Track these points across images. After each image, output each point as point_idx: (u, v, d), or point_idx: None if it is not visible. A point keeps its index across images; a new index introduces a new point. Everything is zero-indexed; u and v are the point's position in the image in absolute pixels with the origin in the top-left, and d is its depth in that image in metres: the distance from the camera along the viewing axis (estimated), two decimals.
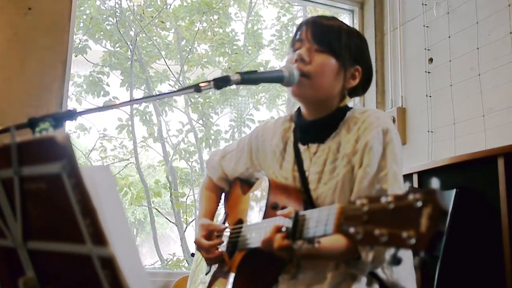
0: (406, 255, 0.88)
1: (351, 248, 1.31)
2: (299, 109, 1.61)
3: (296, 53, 1.49)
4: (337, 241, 1.31)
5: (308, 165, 1.52)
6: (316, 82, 1.47)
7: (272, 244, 1.24)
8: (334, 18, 1.58)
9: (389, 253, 0.83)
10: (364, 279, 1.41)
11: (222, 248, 1.59)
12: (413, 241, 0.77)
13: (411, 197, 0.80)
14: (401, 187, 1.38)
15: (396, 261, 0.82)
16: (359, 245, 1.29)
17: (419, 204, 0.79)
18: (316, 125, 1.54)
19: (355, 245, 1.30)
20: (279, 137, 1.63)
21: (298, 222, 1.18)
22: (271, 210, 1.42)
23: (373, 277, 1.42)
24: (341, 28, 1.52)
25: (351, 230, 0.88)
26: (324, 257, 1.38)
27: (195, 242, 1.61)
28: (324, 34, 1.49)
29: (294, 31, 1.58)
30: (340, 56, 1.48)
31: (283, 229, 1.23)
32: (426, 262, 0.79)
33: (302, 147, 1.56)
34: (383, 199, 0.84)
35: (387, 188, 1.36)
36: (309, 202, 1.47)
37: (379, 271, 1.41)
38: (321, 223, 1.08)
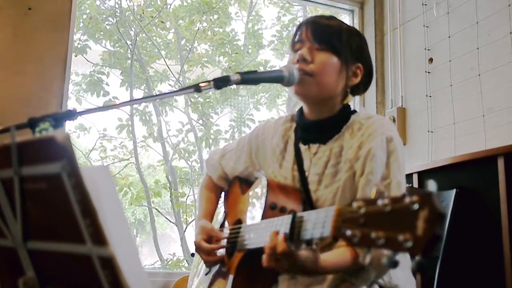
0: (405, 262, 0.88)
1: (356, 261, 1.31)
2: (301, 108, 1.61)
3: (298, 53, 1.48)
4: (341, 256, 1.31)
5: (308, 165, 1.51)
6: (320, 80, 1.47)
7: (276, 250, 1.21)
8: (333, 18, 1.59)
9: (386, 257, 0.83)
10: (361, 276, 1.41)
11: (222, 250, 1.59)
12: (409, 244, 0.77)
13: (407, 199, 0.80)
14: None
15: (393, 264, 0.82)
16: (356, 248, 1.29)
17: (416, 207, 0.78)
18: (318, 125, 1.54)
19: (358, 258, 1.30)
20: (280, 136, 1.63)
21: (296, 224, 1.18)
22: (269, 210, 1.42)
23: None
24: (341, 26, 1.53)
25: (348, 232, 0.88)
26: (330, 273, 1.37)
27: (195, 244, 1.61)
28: (324, 32, 1.49)
29: (294, 33, 1.58)
30: (341, 54, 1.48)
31: (281, 231, 1.22)
32: (423, 266, 0.79)
33: (302, 147, 1.55)
34: (380, 202, 0.84)
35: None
36: (308, 203, 1.47)
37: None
38: (318, 225, 1.09)
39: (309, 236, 1.13)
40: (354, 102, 1.61)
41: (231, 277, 1.45)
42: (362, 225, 0.86)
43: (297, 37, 1.53)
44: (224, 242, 1.60)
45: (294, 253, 1.21)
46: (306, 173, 1.51)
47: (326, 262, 1.26)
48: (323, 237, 1.07)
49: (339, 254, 1.32)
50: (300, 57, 1.47)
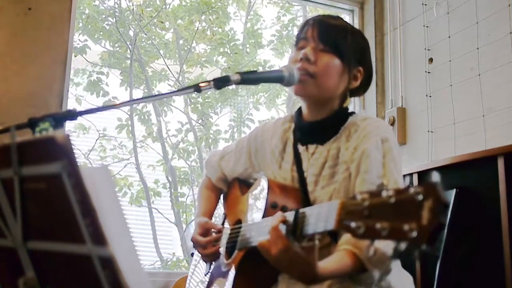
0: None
1: (356, 264, 1.28)
2: (299, 109, 1.61)
3: (301, 52, 1.48)
4: (341, 261, 1.28)
5: (307, 166, 1.51)
6: (320, 82, 1.47)
7: (277, 233, 1.19)
8: (339, 18, 1.58)
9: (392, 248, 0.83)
10: (364, 281, 1.41)
11: (222, 247, 1.59)
12: (414, 233, 0.78)
13: (412, 190, 0.81)
14: None
15: (397, 254, 0.82)
16: (361, 240, 1.27)
17: (420, 197, 0.79)
18: (316, 126, 1.54)
19: (360, 261, 1.27)
20: (279, 137, 1.63)
21: (299, 220, 1.18)
22: (270, 209, 1.42)
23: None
24: (347, 28, 1.52)
25: (352, 224, 0.88)
26: (331, 278, 1.34)
27: (192, 240, 1.62)
28: (330, 34, 1.49)
29: (298, 29, 1.57)
30: (344, 56, 1.48)
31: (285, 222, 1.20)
32: (427, 255, 0.80)
33: (301, 148, 1.55)
34: (384, 193, 0.85)
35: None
36: (307, 203, 1.47)
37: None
38: (321, 219, 1.08)
39: (312, 231, 1.12)
40: (354, 102, 1.62)
41: (231, 276, 1.45)
42: (366, 217, 0.86)
43: (302, 34, 1.53)
44: (224, 234, 1.60)
45: (293, 246, 1.19)
46: (305, 174, 1.51)
47: (325, 269, 1.23)
48: (326, 231, 1.07)
49: (338, 260, 1.29)
50: (304, 56, 1.47)
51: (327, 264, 1.26)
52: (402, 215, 0.81)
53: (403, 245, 0.81)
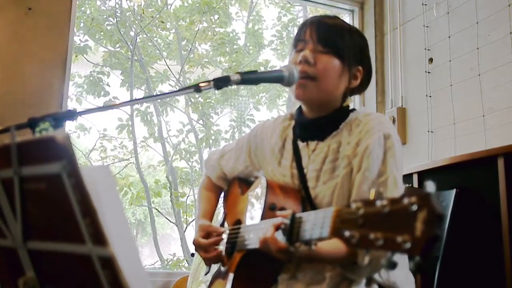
0: (404, 259, 0.88)
1: (350, 252, 1.30)
2: (300, 107, 1.61)
3: (301, 54, 1.48)
4: (336, 245, 1.30)
5: (307, 162, 1.51)
6: (321, 84, 1.47)
7: (269, 245, 1.24)
8: (336, 18, 1.58)
9: (385, 257, 0.84)
10: (363, 280, 1.41)
11: (221, 247, 1.59)
12: (408, 245, 0.77)
13: (406, 201, 0.80)
14: (400, 193, 1.38)
15: (391, 265, 0.82)
16: (354, 249, 1.28)
17: (414, 208, 0.79)
18: (317, 123, 1.54)
19: (354, 251, 1.30)
20: (278, 135, 1.63)
21: (295, 224, 1.18)
22: (269, 211, 1.42)
23: (371, 278, 1.42)
24: (345, 28, 1.52)
25: (347, 233, 0.88)
26: (323, 260, 1.37)
27: (193, 242, 1.62)
28: (328, 34, 1.49)
29: (297, 31, 1.57)
30: (344, 57, 1.48)
31: (282, 226, 1.22)
32: (421, 266, 0.79)
33: (301, 144, 1.55)
34: (379, 203, 0.84)
35: (387, 193, 1.36)
36: (308, 200, 1.47)
37: (375, 275, 1.40)
38: (317, 226, 1.09)
39: (308, 237, 1.13)
40: (354, 101, 1.61)
41: (230, 277, 1.46)
42: (360, 226, 0.86)
43: (300, 36, 1.52)
44: (223, 236, 1.60)
45: (289, 251, 1.21)
46: (305, 170, 1.51)
47: (320, 248, 1.25)
48: (321, 238, 1.07)
49: (334, 244, 1.30)
50: (303, 58, 1.47)
51: (323, 244, 1.27)
52: (396, 225, 0.80)
53: (398, 256, 0.81)
